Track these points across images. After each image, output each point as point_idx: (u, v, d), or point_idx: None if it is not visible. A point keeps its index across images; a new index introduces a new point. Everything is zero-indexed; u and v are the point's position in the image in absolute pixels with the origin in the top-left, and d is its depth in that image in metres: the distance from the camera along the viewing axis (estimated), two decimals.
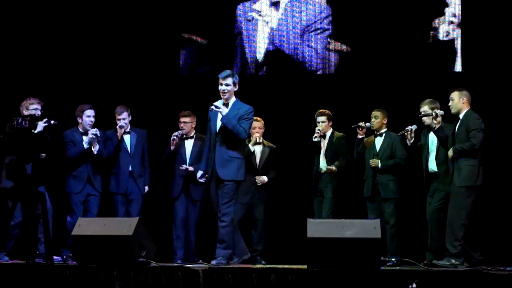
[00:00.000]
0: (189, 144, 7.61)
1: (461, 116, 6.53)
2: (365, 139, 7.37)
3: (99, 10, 8.79)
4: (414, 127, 6.94)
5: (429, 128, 6.87)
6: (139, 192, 7.51)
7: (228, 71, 6.52)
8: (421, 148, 7.00)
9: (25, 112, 6.82)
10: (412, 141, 6.95)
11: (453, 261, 6.22)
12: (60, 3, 8.78)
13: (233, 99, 6.47)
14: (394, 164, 7.20)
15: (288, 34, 8.60)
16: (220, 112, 6.35)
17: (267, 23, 8.67)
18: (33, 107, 6.87)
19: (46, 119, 6.74)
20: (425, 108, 6.88)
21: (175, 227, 7.64)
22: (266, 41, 8.67)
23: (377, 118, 7.34)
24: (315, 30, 8.51)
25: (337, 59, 8.53)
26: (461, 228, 6.30)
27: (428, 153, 6.93)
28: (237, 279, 5.61)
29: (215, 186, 6.44)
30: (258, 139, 7.57)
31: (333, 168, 7.37)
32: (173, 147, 7.52)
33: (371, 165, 7.22)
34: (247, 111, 6.44)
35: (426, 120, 6.87)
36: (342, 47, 8.50)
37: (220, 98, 6.44)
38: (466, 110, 6.53)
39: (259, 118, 7.53)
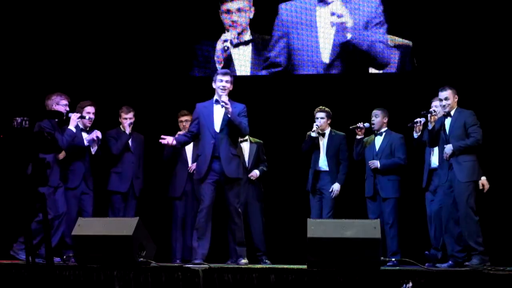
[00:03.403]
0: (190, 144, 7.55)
1: (452, 112, 6.50)
2: (365, 138, 7.37)
3: (104, 11, 8.81)
4: (423, 119, 6.89)
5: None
6: (137, 193, 7.56)
7: (227, 69, 6.66)
8: (425, 144, 6.94)
9: (55, 107, 6.85)
10: (419, 133, 6.93)
11: (482, 258, 6.18)
12: (66, 4, 8.79)
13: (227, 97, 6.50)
14: (393, 163, 7.20)
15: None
16: (227, 109, 6.36)
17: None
18: (63, 103, 6.91)
19: (78, 114, 6.94)
20: (437, 103, 6.82)
21: (176, 227, 7.64)
22: None
23: (378, 117, 7.34)
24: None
25: None
26: (477, 224, 6.27)
27: (432, 148, 6.89)
28: (237, 279, 5.61)
29: (214, 185, 6.43)
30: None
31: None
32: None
33: (370, 167, 7.22)
34: (243, 109, 6.53)
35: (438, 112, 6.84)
36: None
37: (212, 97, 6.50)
38: (456, 107, 6.53)
39: None
